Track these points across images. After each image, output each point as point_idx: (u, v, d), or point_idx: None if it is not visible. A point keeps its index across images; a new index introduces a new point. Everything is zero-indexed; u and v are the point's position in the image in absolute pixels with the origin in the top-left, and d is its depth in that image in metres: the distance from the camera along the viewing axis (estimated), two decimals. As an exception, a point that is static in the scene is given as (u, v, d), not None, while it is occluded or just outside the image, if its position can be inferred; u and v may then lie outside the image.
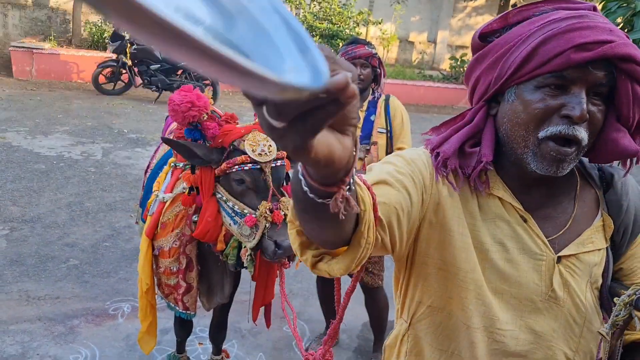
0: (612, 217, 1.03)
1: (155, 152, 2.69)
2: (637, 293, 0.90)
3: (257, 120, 2.00)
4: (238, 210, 1.86)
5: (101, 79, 9.25)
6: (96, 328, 3.06)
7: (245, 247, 1.90)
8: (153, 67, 8.96)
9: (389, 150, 2.81)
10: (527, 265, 0.99)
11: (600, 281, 1.02)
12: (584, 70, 0.89)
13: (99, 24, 10.93)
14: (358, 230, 0.82)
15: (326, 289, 2.96)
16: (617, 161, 1.00)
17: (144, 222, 2.29)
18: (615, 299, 0.93)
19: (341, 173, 0.61)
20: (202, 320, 3.08)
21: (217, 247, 1.99)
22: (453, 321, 1.04)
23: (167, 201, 2.11)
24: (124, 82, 9.34)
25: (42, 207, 4.60)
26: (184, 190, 2.01)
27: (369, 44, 2.76)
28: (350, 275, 1.10)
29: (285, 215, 1.85)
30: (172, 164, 2.20)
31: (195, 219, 2.00)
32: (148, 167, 2.68)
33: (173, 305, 2.24)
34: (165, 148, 2.52)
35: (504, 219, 1.01)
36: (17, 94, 8.60)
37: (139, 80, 9.19)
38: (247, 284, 2.29)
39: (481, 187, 1.01)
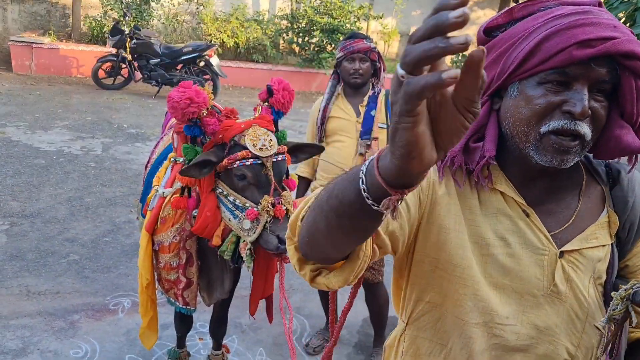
0: (618, 214, 1.02)
1: (155, 147, 2.69)
2: (634, 287, 0.89)
3: (257, 114, 2.00)
4: (239, 205, 1.85)
5: (101, 73, 9.24)
6: (96, 323, 3.06)
7: (244, 241, 1.89)
8: (153, 61, 8.93)
9: (390, 145, 2.81)
10: (529, 260, 0.99)
11: (604, 277, 1.01)
12: (587, 66, 0.88)
13: (99, 19, 10.90)
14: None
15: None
16: (623, 157, 1.00)
17: (144, 217, 2.29)
18: (612, 293, 0.93)
19: (415, 178, 0.62)
20: (203, 316, 3.09)
21: (212, 242, 1.98)
22: (451, 317, 1.04)
23: (167, 196, 2.11)
24: (123, 76, 9.32)
25: (42, 202, 4.60)
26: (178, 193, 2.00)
27: (367, 37, 2.75)
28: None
29: (287, 209, 1.85)
30: (172, 159, 2.20)
31: (195, 213, 2.00)
32: (148, 162, 2.68)
33: (173, 301, 2.24)
34: (165, 143, 2.51)
35: (506, 214, 1.01)
36: (17, 89, 8.59)
37: (138, 75, 9.17)
38: (247, 280, 2.30)
39: (484, 181, 1.01)
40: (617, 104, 0.94)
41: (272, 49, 11.52)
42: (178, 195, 2.01)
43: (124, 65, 9.13)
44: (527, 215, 1.00)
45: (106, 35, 9.92)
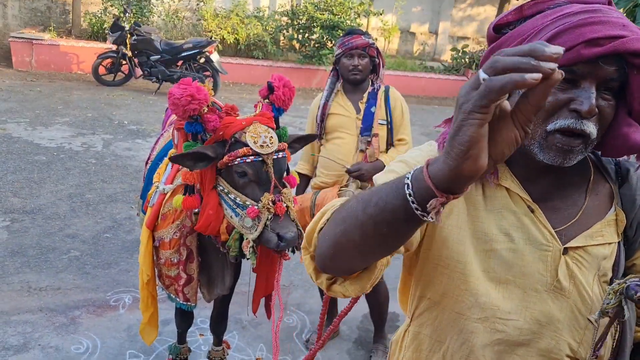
0: (626, 212, 1.02)
1: (156, 143, 2.68)
2: (627, 281, 0.89)
3: (257, 111, 2.01)
4: (240, 202, 1.86)
5: (101, 70, 9.23)
6: (97, 319, 3.08)
7: (247, 239, 1.90)
8: (153, 58, 8.92)
9: (390, 141, 2.81)
10: (533, 256, 0.99)
11: (609, 275, 1.01)
12: (595, 65, 0.88)
13: (99, 15, 10.88)
14: None
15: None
16: (633, 155, 0.99)
17: (145, 213, 2.29)
18: (606, 287, 0.93)
19: (464, 182, 0.66)
20: (203, 312, 3.10)
21: (220, 238, 1.99)
22: (450, 314, 1.04)
23: (167, 192, 2.11)
24: (124, 73, 9.31)
25: (42, 199, 4.60)
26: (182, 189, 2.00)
27: (365, 33, 2.74)
28: None
29: (287, 207, 1.85)
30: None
31: (196, 211, 2.00)
32: (148, 158, 2.68)
33: (174, 297, 2.24)
34: (165, 139, 2.52)
35: (511, 210, 1.01)
36: (17, 85, 8.59)
37: (139, 71, 9.16)
38: (247, 276, 2.30)
39: (489, 177, 1.02)
40: (625, 101, 0.94)
41: (272, 46, 11.51)
42: (180, 194, 1.99)
43: (124, 62, 9.12)
44: (532, 211, 1.01)
45: (106, 31, 9.91)
